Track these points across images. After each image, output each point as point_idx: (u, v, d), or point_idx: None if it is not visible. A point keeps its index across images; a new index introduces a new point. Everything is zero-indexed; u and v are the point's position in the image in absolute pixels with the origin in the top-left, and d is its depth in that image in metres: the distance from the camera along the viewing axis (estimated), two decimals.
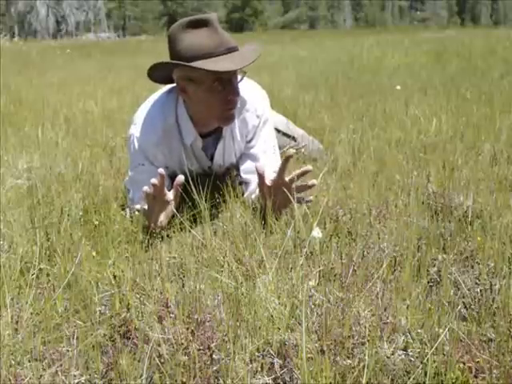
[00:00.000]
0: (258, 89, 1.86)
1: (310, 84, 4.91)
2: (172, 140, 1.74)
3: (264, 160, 1.80)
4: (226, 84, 1.61)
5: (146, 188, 1.46)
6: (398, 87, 4.49)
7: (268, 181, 1.57)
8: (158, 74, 1.67)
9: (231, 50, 1.60)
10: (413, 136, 2.62)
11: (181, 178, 1.52)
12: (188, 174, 1.60)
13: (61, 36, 29.63)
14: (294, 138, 2.26)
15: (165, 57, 1.66)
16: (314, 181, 1.57)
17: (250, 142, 1.83)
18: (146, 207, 1.54)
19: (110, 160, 2.30)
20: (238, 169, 1.87)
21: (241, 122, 1.79)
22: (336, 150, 2.42)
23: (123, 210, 1.72)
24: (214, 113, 1.67)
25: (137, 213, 1.59)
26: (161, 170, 1.47)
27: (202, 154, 1.81)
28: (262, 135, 1.83)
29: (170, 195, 1.53)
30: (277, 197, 1.56)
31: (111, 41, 24.50)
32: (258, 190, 1.68)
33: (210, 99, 1.64)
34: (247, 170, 1.81)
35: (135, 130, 1.74)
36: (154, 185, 1.46)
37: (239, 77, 1.66)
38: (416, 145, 2.47)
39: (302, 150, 2.28)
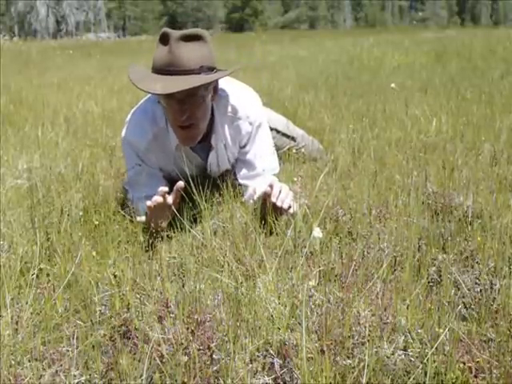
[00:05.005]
0: (248, 93, 1.84)
1: (310, 84, 4.91)
2: (164, 143, 1.74)
3: (260, 165, 1.81)
4: (178, 103, 1.58)
5: (148, 203, 1.47)
6: (393, 85, 4.46)
7: (274, 199, 1.57)
8: None
9: (180, 72, 1.54)
10: (413, 136, 2.62)
11: (181, 183, 1.52)
12: (186, 175, 1.60)
13: (61, 36, 29.60)
14: (293, 139, 2.26)
15: None
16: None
17: (244, 147, 1.83)
18: (144, 218, 1.55)
19: (110, 160, 2.30)
20: (234, 173, 1.87)
21: (233, 130, 1.79)
22: (336, 149, 2.42)
23: (123, 209, 1.72)
24: (173, 128, 1.67)
25: (138, 218, 1.60)
26: (163, 189, 1.48)
27: (194, 155, 1.80)
28: (256, 140, 1.82)
29: (170, 199, 1.52)
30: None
31: (111, 41, 24.47)
32: (256, 195, 1.70)
33: (168, 113, 1.64)
34: (244, 176, 1.82)
35: (127, 134, 1.74)
36: (157, 201, 1.47)
37: (225, 77, 1.65)
38: (416, 145, 2.47)
39: (302, 150, 2.28)
